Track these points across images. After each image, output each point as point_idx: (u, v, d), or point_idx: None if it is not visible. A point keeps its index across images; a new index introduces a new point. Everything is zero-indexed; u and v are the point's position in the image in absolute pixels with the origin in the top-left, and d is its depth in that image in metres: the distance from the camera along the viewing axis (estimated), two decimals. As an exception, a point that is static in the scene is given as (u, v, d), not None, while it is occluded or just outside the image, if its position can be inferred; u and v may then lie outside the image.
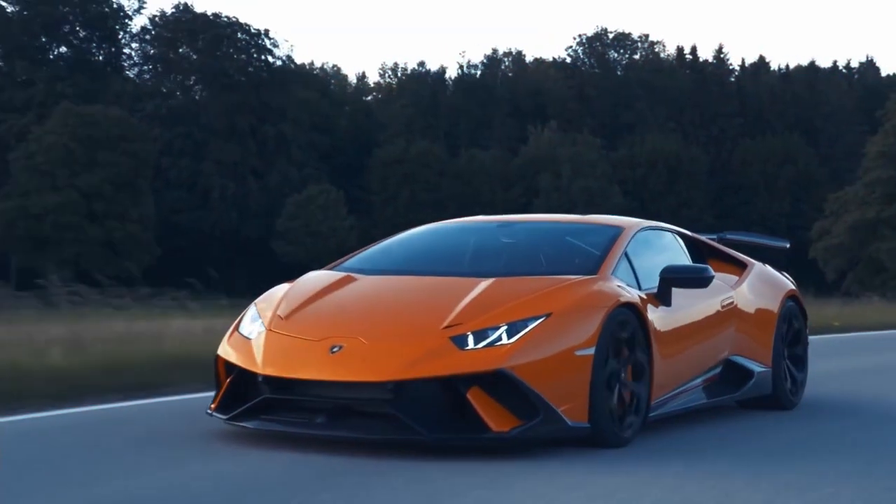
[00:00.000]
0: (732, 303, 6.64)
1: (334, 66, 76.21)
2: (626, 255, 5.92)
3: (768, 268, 7.40)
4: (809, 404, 7.18)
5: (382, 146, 57.65)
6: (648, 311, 5.64)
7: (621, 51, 70.22)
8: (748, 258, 7.32)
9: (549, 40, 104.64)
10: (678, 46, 69.19)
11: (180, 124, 54.86)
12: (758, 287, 6.98)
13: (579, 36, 75.26)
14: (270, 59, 57.61)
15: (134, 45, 59.25)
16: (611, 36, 70.03)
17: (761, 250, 8.31)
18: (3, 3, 54.14)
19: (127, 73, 58.55)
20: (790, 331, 7.14)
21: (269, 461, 4.73)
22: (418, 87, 65.37)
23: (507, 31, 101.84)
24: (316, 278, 5.84)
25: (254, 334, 5.29)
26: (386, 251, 6.24)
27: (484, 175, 56.17)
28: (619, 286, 5.51)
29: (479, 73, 68.11)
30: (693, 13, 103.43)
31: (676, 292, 5.96)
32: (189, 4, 58.46)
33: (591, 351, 5.10)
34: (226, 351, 5.34)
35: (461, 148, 58.94)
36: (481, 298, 5.24)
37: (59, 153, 46.82)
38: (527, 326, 5.02)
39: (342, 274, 5.85)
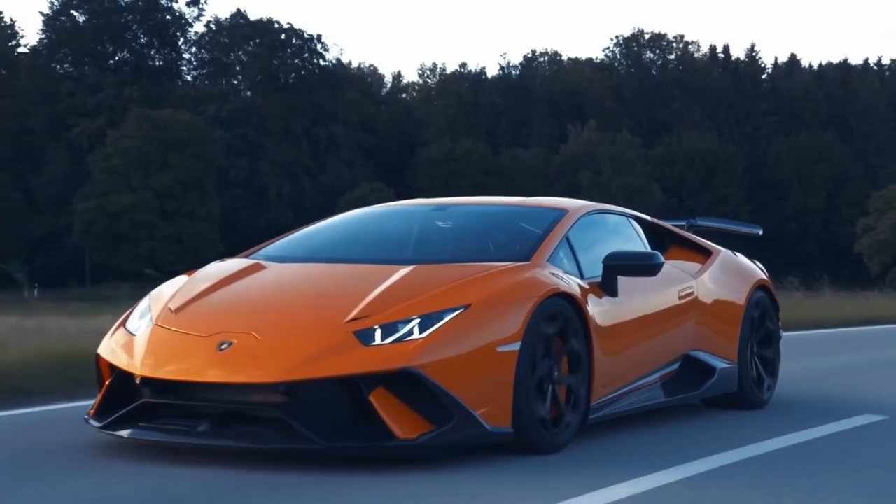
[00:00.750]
0: (692, 293, 6.06)
1: (371, 65, 78.31)
2: (567, 240, 5.32)
3: (736, 256, 6.80)
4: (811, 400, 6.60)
5: (426, 145, 59.97)
6: (589, 302, 5.05)
7: (657, 51, 72.07)
8: (715, 246, 6.73)
9: (585, 41, 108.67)
10: (711, 45, 71.47)
11: (238, 126, 57.87)
12: (722, 276, 6.39)
13: (616, 37, 77.15)
14: (322, 62, 60.61)
15: (193, 50, 62.26)
16: (647, 36, 71.86)
17: (734, 237, 7.78)
18: (74, 13, 57.66)
19: (186, 77, 62.06)
20: (759, 325, 6.55)
21: (163, 477, 4.14)
22: (459, 87, 67.56)
23: (544, 32, 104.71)
24: (220, 267, 5.26)
25: (140, 330, 4.71)
26: (308, 236, 5.65)
27: (526, 173, 58.15)
28: (553, 274, 4.93)
29: (518, 73, 69.93)
30: (725, 13, 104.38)
31: (625, 282, 5.38)
32: (243, 11, 62.00)
33: (516, 347, 4.52)
34: (106, 349, 4.75)
35: (501, 146, 61.36)
36: (395, 288, 4.66)
37: (134, 155, 50.08)
38: (441, 319, 4.44)
39: (250, 262, 5.26)
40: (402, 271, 4.81)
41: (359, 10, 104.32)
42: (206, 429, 4.31)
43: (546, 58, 71.97)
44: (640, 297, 5.53)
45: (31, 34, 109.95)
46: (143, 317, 4.80)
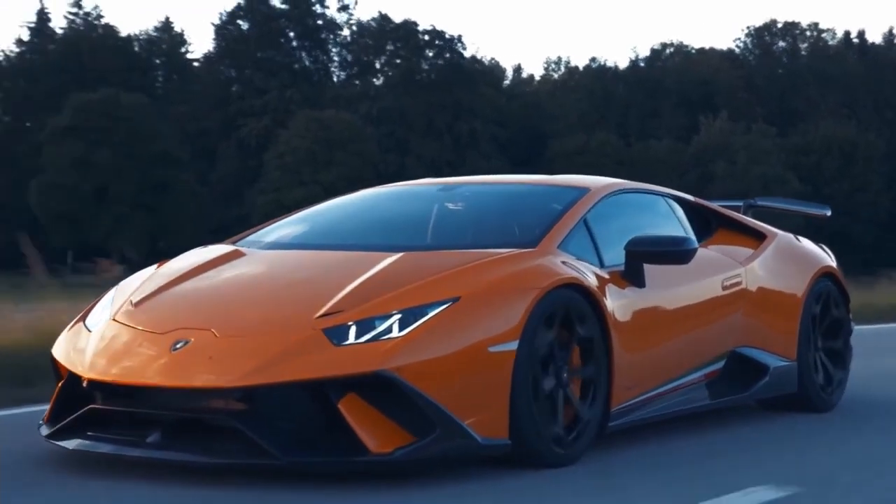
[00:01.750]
0: (739, 282, 5.35)
1: (492, 59, 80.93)
2: (585, 223, 4.69)
3: (797, 239, 6.07)
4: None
5: (557, 138, 61.02)
6: (608, 293, 4.41)
7: (789, 39, 71.64)
8: (772, 229, 6.00)
9: (711, 32, 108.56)
10: (845, 31, 70.72)
11: (385, 124, 60.59)
12: (776, 263, 5.66)
13: (748, 27, 77.15)
14: (461, 61, 63.31)
15: (341, 52, 65.91)
16: (779, 25, 71.48)
17: (799, 218, 7.04)
18: (239, 22, 62.84)
19: (334, 78, 66.13)
20: (823, 318, 5.82)
21: (113, 490, 3.65)
22: (589, 80, 68.61)
23: (666, 24, 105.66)
24: (194, 255, 4.74)
25: (97, 326, 4.23)
26: (302, 220, 5.08)
27: (659, 163, 58.44)
28: (562, 262, 4.30)
29: (645, 64, 70.54)
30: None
31: (656, 271, 4.73)
32: (386, 14, 65.41)
33: (512, 346, 3.91)
34: (59, 347, 4.25)
35: (630, 138, 62.04)
36: (377, 279, 4.08)
37: (303, 154, 53.28)
38: (425, 315, 3.85)
39: (229, 248, 4.73)
40: (388, 259, 4.23)
41: (480, 5, 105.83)
42: (157, 439, 3.78)
43: (671, 49, 72.36)
44: (674, 288, 4.86)
45: (197, 43, 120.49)
46: (104, 311, 4.31)
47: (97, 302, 4.45)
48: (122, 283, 4.56)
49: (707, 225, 5.68)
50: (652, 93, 66.87)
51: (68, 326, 4.38)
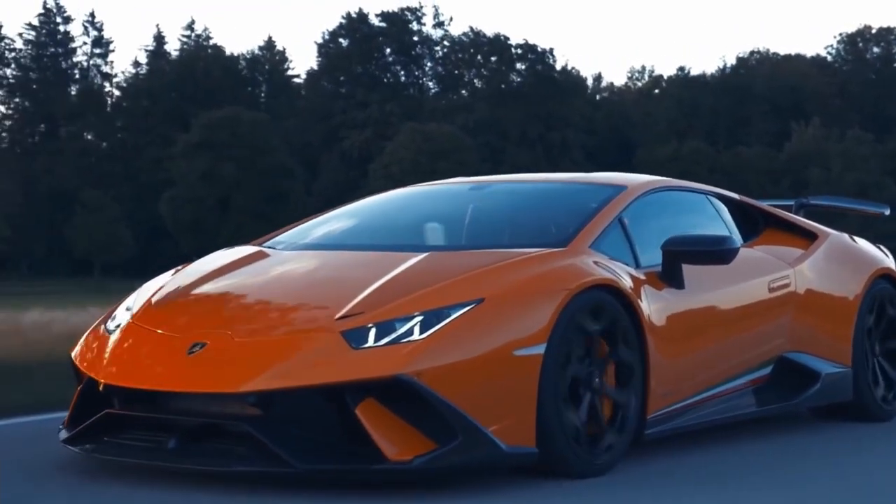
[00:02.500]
0: (787, 284, 5.12)
1: (573, 67, 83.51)
2: (620, 222, 4.50)
3: (851, 239, 5.80)
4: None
5: (645, 145, 62.73)
6: (643, 295, 4.22)
7: (883, 45, 71.91)
8: (824, 229, 5.74)
9: (799, 38, 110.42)
10: None
11: (481, 134, 63.75)
12: (828, 265, 5.41)
13: (840, 34, 77.46)
14: (554, 73, 66.73)
15: (434, 66, 70.13)
16: (873, 31, 71.77)
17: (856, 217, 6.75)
18: (340, 40, 66.89)
19: (430, 92, 70.46)
20: (880, 321, 5.55)
21: (132, 496, 3.55)
22: (676, 89, 70.04)
23: (757, 31, 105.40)
24: (218, 256, 4.63)
25: (116, 328, 4.13)
26: (330, 220, 4.96)
27: (750, 170, 59.45)
28: (594, 262, 4.11)
29: (732, 72, 71.50)
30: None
31: (697, 272, 4.52)
32: (476, 29, 68.57)
33: (539, 350, 3.73)
34: (79, 350, 4.16)
35: (719, 145, 63.69)
36: (399, 279, 3.93)
37: (408, 164, 55.94)
38: (448, 317, 3.69)
39: (252, 250, 4.62)
40: (412, 260, 4.09)
41: (563, 17, 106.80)
42: (172, 445, 3.68)
43: (756, 56, 73.01)
44: (715, 290, 4.64)
45: (297, 60, 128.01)
46: (124, 313, 4.21)
47: (119, 304, 4.37)
48: (145, 285, 4.47)
49: (754, 225, 5.45)
50: (740, 100, 67.59)
51: (89, 329, 4.31)
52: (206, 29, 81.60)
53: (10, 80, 64.61)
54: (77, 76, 67.37)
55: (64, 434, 4.01)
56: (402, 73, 68.78)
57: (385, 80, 67.57)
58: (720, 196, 5.33)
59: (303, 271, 4.24)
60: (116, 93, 67.76)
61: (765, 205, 5.69)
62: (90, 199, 56.84)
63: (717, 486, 3.91)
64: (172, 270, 4.58)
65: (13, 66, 65.67)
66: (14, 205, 58.07)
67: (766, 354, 4.96)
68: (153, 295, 4.23)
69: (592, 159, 63.82)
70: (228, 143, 55.55)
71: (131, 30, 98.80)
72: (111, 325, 4.19)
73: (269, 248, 4.68)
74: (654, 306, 4.24)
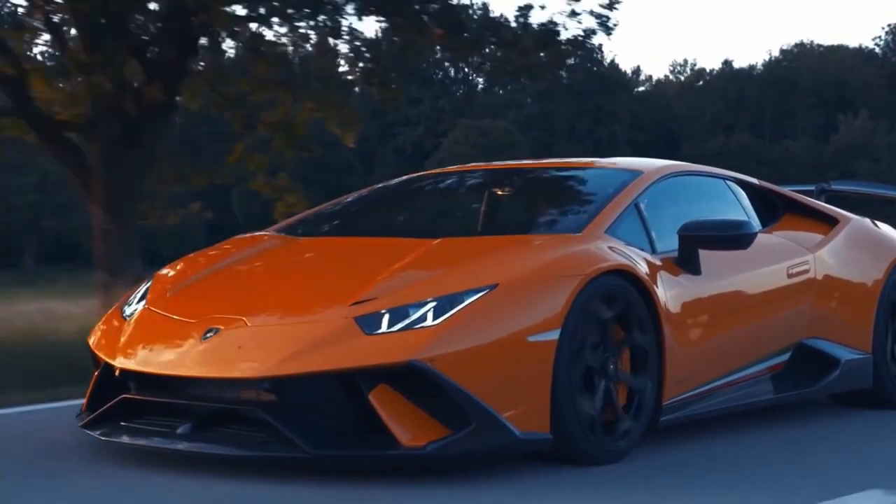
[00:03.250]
0: (807, 270, 5.08)
1: (612, 60, 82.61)
2: (636, 207, 4.47)
3: (873, 224, 5.75)
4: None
5: (691, 139, 63.03)
6: (659, 281, 4.19)
7: None
8: (846, 214, 5.68)
9: (848, 30, 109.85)
10: None
11: (531, 130, 64.69)
12: (849, 250, 5.36)
13: (888, 25, 76.89)
14: (602, 69, 67.50)
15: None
16: None
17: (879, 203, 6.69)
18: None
19: (480, 87, 71.68)
20: None
21: (147, 479, 3.56)
22: (721, 82, 69.90)
23: (800, 22, 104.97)
24: (232, 243, 4.64)
25: (132, 314, 4.16)
26: (345, 207, 4.95)
27: (797, 163, 58.81)
28: (609, 248, 4.09)
29: (776, 64, 71.20)
30: None
31: (715, 257, 4.49)
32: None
33: (553, 336, 3.72)
34: (95, 336, 4.19)
35: (765, 138, 63.39)
36: (412, 266, 3.91)
37: (464, 160, 62.00)
38: (461, 303, 3.68)
39: (266, 236, 4.63)
40: (426, 246, 4.08)
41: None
42: (186, 430, 3.69)
43: (800, 48, 72.56)
44: (732, 275, 4.61)
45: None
46: (140, 299, 4.24)
47: (135, 290, 4.39)
48: (160, 271, 4.49)
49: (773, 210, 5.41)
50: (785, 93, 67.52)
51: (106, 315, 4.33)
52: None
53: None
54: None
55: (81, 419, 4.03)
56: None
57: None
58: (739, 181, 5.29)
59: (316, 258, 4.25)
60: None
61: (785, 190, 5.64)
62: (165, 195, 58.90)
63: (731, 473, 3.89)
64: (186, 257, 4.59)
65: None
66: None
67: (785, 341, 4.92)
68: (168, 282, 4.25)
69: (639, 154, 64.40)
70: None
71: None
72: (127, 311, 4.21)
73: (283, 234, 4.68)
74: (669, 292, 4.22)
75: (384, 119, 64.54)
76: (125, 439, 3.79)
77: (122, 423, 3.86)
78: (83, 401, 4.16)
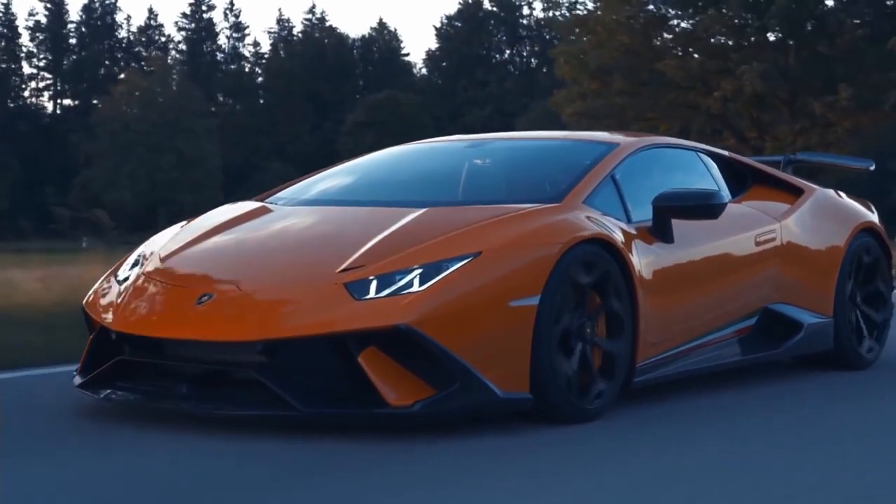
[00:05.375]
0: (773, 238, 5.29)
1: None
2: (612, 178, 4.66)
3: (838, 195, 5.97)
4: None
5: None
6: (634, 249, 4.38)
7: None
8: (810, 184, 5.91)
9: None
10: None
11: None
12: (813, 219, 5.58)
13: None
14: None
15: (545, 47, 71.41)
16: None
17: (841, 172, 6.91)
18: (456, 23, 70.39)
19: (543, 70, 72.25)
20: (858, 273, 5.73)
21: (141, 439, 3.73)
22: None
23: None
24: (223, 211, 4.80)
25: (127, 280, 4.30)
26: (331, 176, 5.11)
27: None
28: (587, 217, 4.28)
29: None
30: None
31: (686, 226, 4.69)
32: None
33: (534, 301, 3.91)
34: (90, 300, 4.35)
35: None
36: (399, 233, 4.10)
37: None
38: (446, 269, 3.86)
39: (256, 205, 4.79)
40: (412, 215, 4.25)
41: None
42: (186, 391, 3.87)
43: None
44: (703, 244, 4.82)
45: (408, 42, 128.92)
46: (134, 265, 4.38)
47: (129, 256, 4.53)
48: (153, 237, 4.63)
49: (742, 181, 5.61)
50: None
51: (100, 279, 4.47)
52: (323, 12, 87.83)
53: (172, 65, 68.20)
54: (222, 60, 72.23)
55: (77, 380, 4.19)
56: (511, 52, 72.15)
57: (495, 60, 71.14)
58: (710, 153, 5.48)
59: (305, 226, 4.40)
60: (259, 75, 72.54)
61: (753, 161, 5.85)
62: (276, 169, 59.08)
63: (712, 427, 4.11)
64: (180, 224, 4.73)
65: (173, 52, 70.79)
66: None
67: (752, 306, 5.14)
68: (162, 248, 4.39)
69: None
70: (387, 122, 59.19)
71: (254, 14, 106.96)
72: (122, 275, 4.36)
73: (272, 203, 4.83)
74: (644, 260, 4.41)
75: (453, 100, 66.83)
76: (124, 399, 3.95)
77: (118, 384, 4.01)
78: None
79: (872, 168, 6.74)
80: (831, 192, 5.98)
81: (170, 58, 68.93)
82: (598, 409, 4.15)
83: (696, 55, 33.29)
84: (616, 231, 4.33)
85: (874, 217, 6.02)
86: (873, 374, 5.56)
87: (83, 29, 68.22)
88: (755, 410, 4.55)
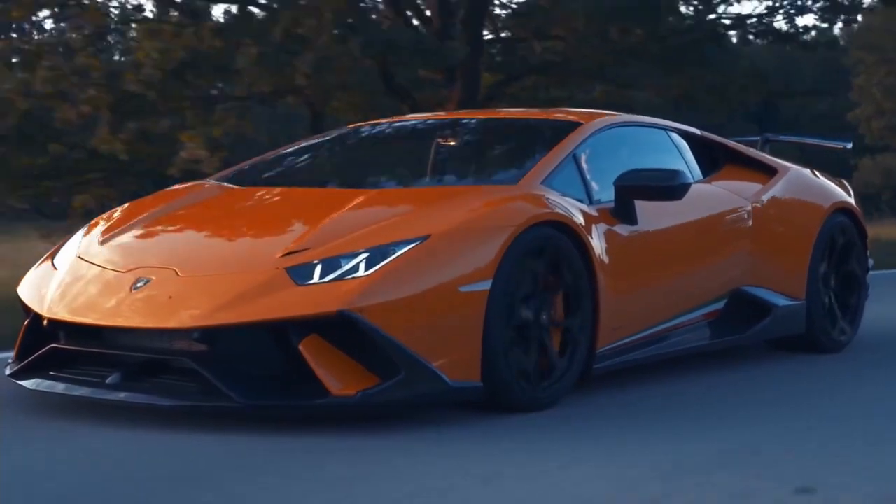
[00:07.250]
0: (744, 218, 5.12)
1: None
2: (574, 158, 4.47)
3: (813, 175, 5.80)
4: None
5: None
6: (594, 232, 4.21)
7: None
8: (785, 164, 5.73)
9: None
10: None
11: None
12: (786, 199, 5.41)
13: None
14: None
15: None
16: None
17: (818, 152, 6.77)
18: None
19: None
20: (832, 254, 5.57)
21: (74, 431, 3.57)
22: None
23: None
24: (167, 193, 4.61)
25: (63, 264, 4.12)
26: (285, 157, 4.91)
27: None
28: (544, 199, 4.09)
29: None
30: None
31: (652, 207, 4.51)
32: None
33: (485, 286, 3.73)
34: (25, 286, 4.14)
35: None
36: (346, 216, 3.90)
37: None
38: (393, 253, 3.69)
39: (202, 186, 4.60)
40: (360, 197, 4.07)
41: None
42: (116, 380, 3.68)
43: None
44: (669, 225, 4.63)
45: None
46: (72, 249, 4.19)
47: (67, 240, 4.35)
48: (92, 221, 4.45)
49: (715, 160, 5.44)
50: None
51: (36, 264, 4.29)
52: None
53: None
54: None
55: (9, 369, 4.01)
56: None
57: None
58: (681, 132, 5.30)
59: (251, 207, 4.23)
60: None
61: (727, 141, 5.67)
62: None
63: (678, 416, 3.95)
64: (121, 207, 4.55)
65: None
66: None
67: (721, 288, 4.98)
68: (101, 231, 4.21)
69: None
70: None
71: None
72: (57, 260, 4.17)
73: (220, 183, 4.64)
74: (604, 242, 4.24)
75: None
76: (55, 389, 3.77)
77: (52, 373, 3.83)
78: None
79: (850, 147, 6.58)
80: (807, 171, 5.81)
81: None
82: (553, 396, 3.99)
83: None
84: (575, 212, 4.16)
85: (850, 197, 5.86)
86: (845, 357, 5.42)
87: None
88: (727, 396, 4.40)
